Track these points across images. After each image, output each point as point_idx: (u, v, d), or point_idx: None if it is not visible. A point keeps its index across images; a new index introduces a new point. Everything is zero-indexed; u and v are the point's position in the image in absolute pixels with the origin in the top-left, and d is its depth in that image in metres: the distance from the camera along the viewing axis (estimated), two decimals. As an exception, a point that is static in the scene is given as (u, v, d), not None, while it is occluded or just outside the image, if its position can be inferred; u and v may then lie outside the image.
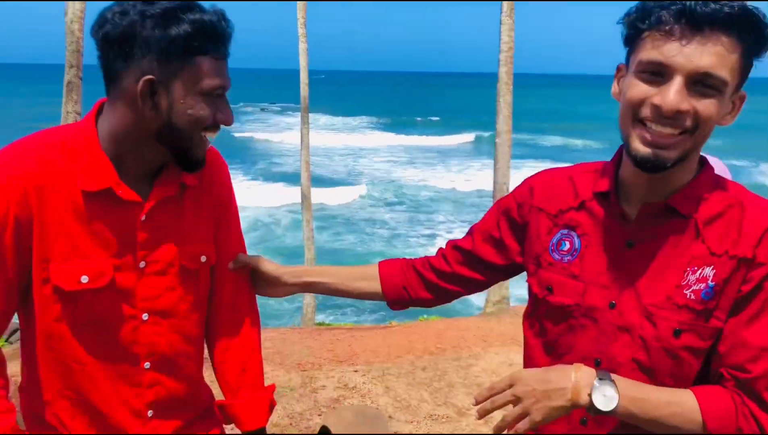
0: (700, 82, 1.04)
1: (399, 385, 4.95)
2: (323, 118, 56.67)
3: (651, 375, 1.15)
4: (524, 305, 1.41)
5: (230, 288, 1.52)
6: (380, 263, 1.52)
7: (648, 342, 1.14)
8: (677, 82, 1.03)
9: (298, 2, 10.35)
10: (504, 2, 8.15)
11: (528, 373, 1.12)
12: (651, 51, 1.05)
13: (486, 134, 37.96)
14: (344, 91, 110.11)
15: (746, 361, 1.10)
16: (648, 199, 1.16)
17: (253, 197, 26.06)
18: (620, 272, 1.17)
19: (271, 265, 1.52)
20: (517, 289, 9.53)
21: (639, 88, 1.07)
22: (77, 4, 6.92)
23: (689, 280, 1.13)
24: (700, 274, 1.12)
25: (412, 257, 1.53)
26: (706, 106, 1.05)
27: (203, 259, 1.44)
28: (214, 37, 1.25)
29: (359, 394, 4.72)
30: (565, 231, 1.24)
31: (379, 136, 47.92)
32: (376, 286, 1.50)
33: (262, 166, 34.08)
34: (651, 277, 1.15)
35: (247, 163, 34.86)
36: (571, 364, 1.13)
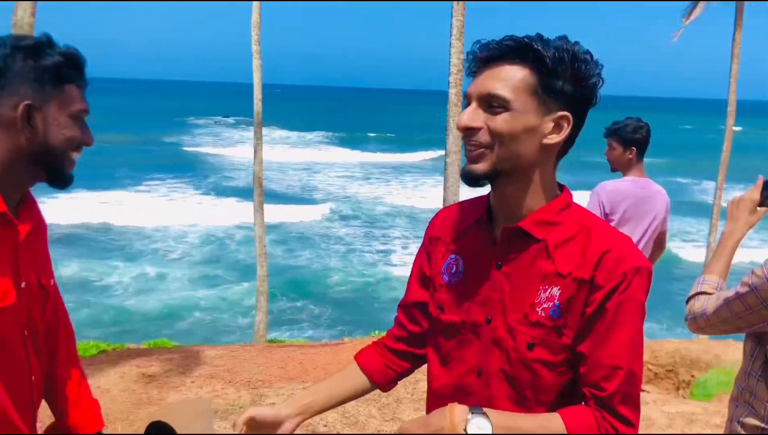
0: (488, 102, 1.23)
1: (348, 402, 4.98)
2: (278, 133, 56.47)
3: (514, 384, 1.28)
4: None
5: (62, 309, 1.68)
6: (355, 357, 1.57)
7: (509, 354, 1.27)
8: (471, 105, 1.25)
9: (252, 19, 10.38)
10: (454, 26, 8.32)
11: (411, 423, 1.23)
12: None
13: (443, 153, 38.32)
14: (300, 105, 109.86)
15: (601, 379, 1.22)
16: (507, 223, 1.30)
17: (204, 212, 25.75)
18: (493, 291, 1.30)
19: (267, 410, 1.46)
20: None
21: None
22: (26, 5, 6.63)
23: (541, 298, 1.26)
24: (549, 293, 1.25)
25: (383, 333, 1.59)
26: (496, 121, 1.22)
27: (52, 282, 1.59)
28: (79, 67, 1.43)
29: (308, 411, 4.73)
30: (454, 256, 1.38)
31: (335, 152, 47.98)
32: (362, 379, 1.54)
33: (213, 180, 33.72)
34: (513, 295, 1.28)
35: (198, 177, 34.46)
36: (460, 377, 1.33)
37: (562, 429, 1.21)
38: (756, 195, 1.91)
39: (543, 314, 1.25)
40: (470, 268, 1.34)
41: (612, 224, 3.67)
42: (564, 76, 1.21)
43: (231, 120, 69.84)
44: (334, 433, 4.43)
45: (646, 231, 3.64)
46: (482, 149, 1.23)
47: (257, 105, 10.62)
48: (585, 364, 1.24)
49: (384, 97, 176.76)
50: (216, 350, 7.40)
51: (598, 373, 1.22)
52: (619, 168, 3.82)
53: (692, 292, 1.89)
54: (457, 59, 8.68)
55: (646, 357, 8.47)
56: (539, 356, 1.25)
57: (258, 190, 10.83)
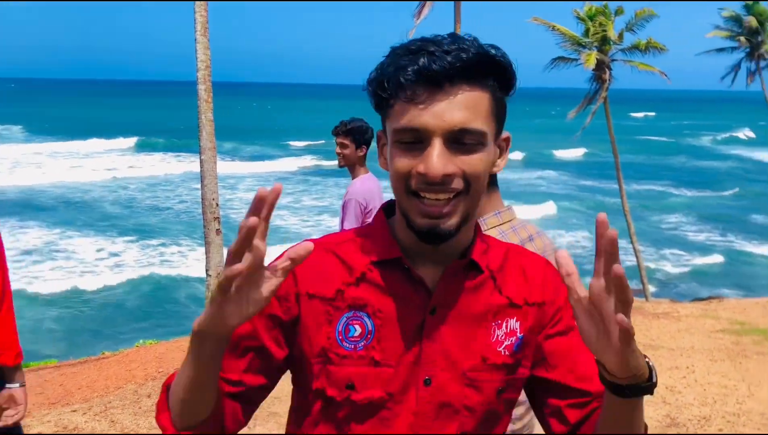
0: (458, 140, 0.96)
1: (125, 417, 4.77)
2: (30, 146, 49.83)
3: None
4: None
5: None
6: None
7: (474, 408, 1.07)
8: (437, 145, 0.95)
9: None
10: (197, 22, 8.19)
11: None
12: (401, 119, 0.97)
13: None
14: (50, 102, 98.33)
15: (573, 404, 1.09)
16: (440, 259, 1.06)
17: None
18: (429, 343, 1.05)
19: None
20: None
21: (402, 160, 0.98)
22: None
23: (498, 336, 1.07)
24: (507, 327, 1.08)
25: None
26: (472, 162, 0.97)
27: None
28: None
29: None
30: (350, 313, 1.05)
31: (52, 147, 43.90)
32: None
33: None
34: (462, 341, 1.06)
35: None
36: None
37: None
38: None
39: (507, 353, 1.07)
40: (384, 323, 1.04)
41: (368, 219, 3.98)
42: (509, 93, 1.02)
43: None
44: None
45: None
46: (459, 197, 0.98)
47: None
48: (553, 391, 1.10)
49: (122, 89, 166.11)
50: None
51: (571, 398, 1.09)
52: (348, 165, 4.20)
53: None
54: (204, 55, 8.57)
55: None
56: (506, 397, 1.10)
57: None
